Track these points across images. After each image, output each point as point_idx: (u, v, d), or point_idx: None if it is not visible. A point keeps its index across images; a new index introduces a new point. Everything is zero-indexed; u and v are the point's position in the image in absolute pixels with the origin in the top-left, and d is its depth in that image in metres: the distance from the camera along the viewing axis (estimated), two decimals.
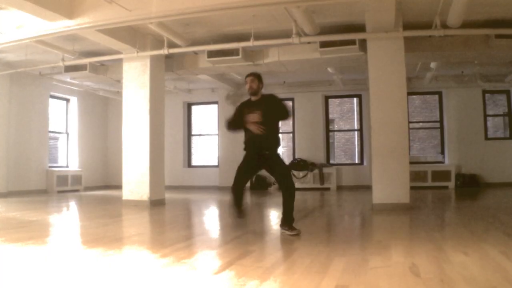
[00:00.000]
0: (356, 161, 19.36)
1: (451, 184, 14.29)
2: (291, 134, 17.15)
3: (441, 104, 15.55)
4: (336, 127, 23.19)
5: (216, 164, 16.84)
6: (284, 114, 5.99)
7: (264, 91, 15.80)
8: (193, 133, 18.00)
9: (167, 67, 11.15)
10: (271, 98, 6.14)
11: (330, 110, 17.55)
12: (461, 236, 5.42)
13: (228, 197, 6.60)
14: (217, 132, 16.86)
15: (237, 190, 6.20)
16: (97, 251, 4.65)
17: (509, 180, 14.15)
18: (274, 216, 8.59)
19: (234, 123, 6.17)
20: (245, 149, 6.11)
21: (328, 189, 14.91)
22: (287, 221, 5.89)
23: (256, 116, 5.84)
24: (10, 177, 13.08)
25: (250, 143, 6.01)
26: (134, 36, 9.85)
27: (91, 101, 16.59)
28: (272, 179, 15.67)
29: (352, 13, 8.67)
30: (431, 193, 12.52)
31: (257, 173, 6.65)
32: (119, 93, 14.58)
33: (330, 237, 6.03)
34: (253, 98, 6.16)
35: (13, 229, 6.40)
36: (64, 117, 15.95)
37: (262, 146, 5.91)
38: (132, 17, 7.55)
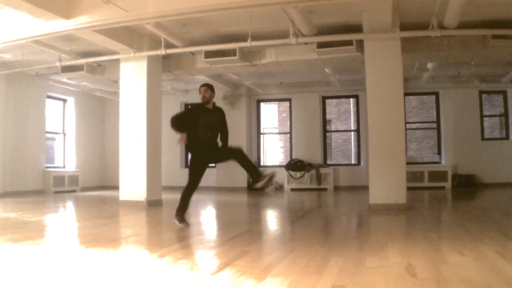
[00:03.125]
0: (353, 162, 19.41)
1: (448, 184, 14.32)
2: (288, 135, 17.20)
3: (438, 104, 15.58)
4: (333, 128, 23.20)
5: (213, 164, 16.80)
6: (226, 133, 6.99)
7: (262, 91, 15.85)
8: None
9: (164, 67, 11.16)
10: (222, 112, 7.05)
11: (327, 110, 17.59)
12: (458, 236, 5.43)
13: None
14: None
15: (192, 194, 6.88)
16: (94, 252, 4.65)
17: (506, 180, 14.20)
18: (271, 216, 8.60)
19: (182, 123, 6.74)
20: (194, 149, 6.78)
21: (325, 189, 14.93)
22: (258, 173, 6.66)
23: (215, 121, 6.78)
24: (7, 178, 13.06)
25: (203, 144, 6.72)
26: (131, 36, 9.84)
27: (88, 101, 16.58)
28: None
29: (349, 14, 8.69)
30: (428, 194, 12.55)
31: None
32: (116, 94, 14.59)
33: (327, 238, 6.03)
34: (207, 106, 6.83)
35: (9, 230, 6.39)
36: (61, 118, 15.94)
37: (213, 145, 6.85)
38: (129, 17, 7.54)
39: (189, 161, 6.96)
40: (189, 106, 7.12)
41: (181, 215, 6.79)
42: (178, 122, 6.71)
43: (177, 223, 6.72)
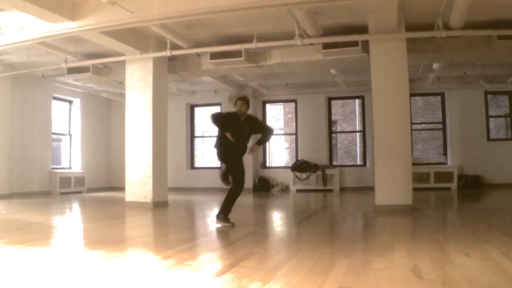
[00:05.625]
0: (359, 163, 19.37)
1: (454, 185, 14.27)
2: (294, 136, 17.19)
3: (443, 105, 15.54)
4: (339, 129, 23.15)
5: (219, 165, 16.79)
6: (268, 133, 7.39)
7: (267, 92, 15.83)
8: (196, 134, 18.02)
9: (170, 68, 11.17)
10: (254, 119, 7.49)
11: (333, 111, 17.57)
12: (464, 237, 5.42)
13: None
14: None
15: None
16: (100, 253, 4.66)
17: None
18: (277, 218, 8.59)
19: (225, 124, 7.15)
20: (222, 150, 7.24)
21: (331, 190, 14.91)
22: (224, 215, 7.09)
23: (247, 131, 7.19)
24: (13, 179, 13.11)
25: (231, 147, 7.11)
26: (137, 38, 9.87)
27: (94, 102, 16.63)
28: (274, 181, 15.82)
29: (355, 15, 8.67)
30: (434, 195, 12.51)
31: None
32: (122, 95, 14.61)
33: (333, 239, 6.03)
34: (241, 118, 7.14)
35: (15, 231, 6.41)
36: (67, 119, 15.99)
37: (238, 151, 7.20)
38: (135, 19, 7.56)
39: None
40: (224, 113, 7.49)
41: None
42: (220, 120, 7.13)
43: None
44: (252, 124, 7.25)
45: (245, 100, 7.20)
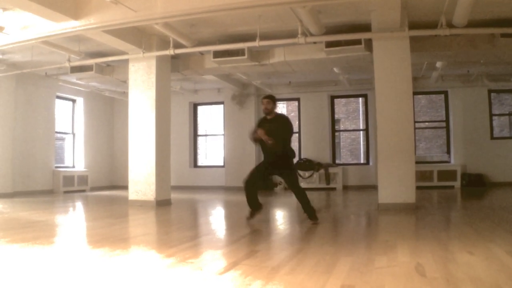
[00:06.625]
0: (362, 161, 19.35)
1: (457, 183, 14.24)
2: (297, 134, 17.18)
3: (447, 103, 15.50)
4: (342, 127, 23.14)
5: (222, 164, 16.84)
6: (285, 134, 7.16)
7: (270, 91, 15.83)
8: (199, 133, 18.03)
9: (173, 67, 11.17)
10: (282, 118, 7.31)
11: (336, 110, 17.53)
12: (467, 235, 5.41)
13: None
14: (223, 133, 16.86)
15: (248, 187, 7.14)
16: (103, 251, 4.67)
17: None
18: (280, 216, 8.59)
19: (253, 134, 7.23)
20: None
21: (334, 189, 14.89)
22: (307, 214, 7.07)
23: (274, 130, 6.95)
24: (16, 178, 13.14)
25: (264, 152, 7.20)
26: (140, 36, 9.87)
27: (97, 101, 16.64)
28: (277, 179, 15.80)
29: (358, 13, 8.66)
30: (437, 193, 12.49)
31: (268, 177, 7.44)
32: (125, 94, 14.62)
33: (336, 237, 6.02)
34: (268, 117, 7.25)
35: (19, 229, 6.43)
36: (70, 118, 16.00)
37: (272, 156, 7.06)
38: (138, 17, 7.56)
39: None
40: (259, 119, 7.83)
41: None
42: (251, 136, 7.25)
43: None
44: (278, 123, 7.12)
45: (269, 98, 7.26)
